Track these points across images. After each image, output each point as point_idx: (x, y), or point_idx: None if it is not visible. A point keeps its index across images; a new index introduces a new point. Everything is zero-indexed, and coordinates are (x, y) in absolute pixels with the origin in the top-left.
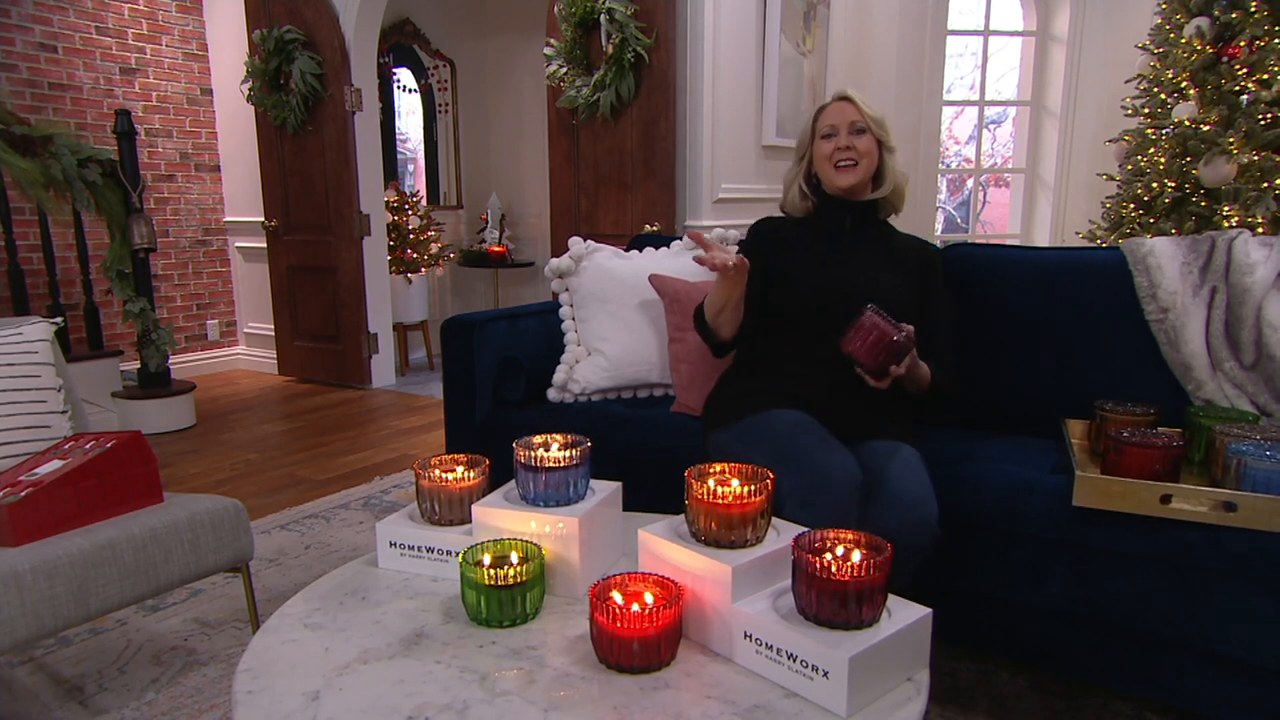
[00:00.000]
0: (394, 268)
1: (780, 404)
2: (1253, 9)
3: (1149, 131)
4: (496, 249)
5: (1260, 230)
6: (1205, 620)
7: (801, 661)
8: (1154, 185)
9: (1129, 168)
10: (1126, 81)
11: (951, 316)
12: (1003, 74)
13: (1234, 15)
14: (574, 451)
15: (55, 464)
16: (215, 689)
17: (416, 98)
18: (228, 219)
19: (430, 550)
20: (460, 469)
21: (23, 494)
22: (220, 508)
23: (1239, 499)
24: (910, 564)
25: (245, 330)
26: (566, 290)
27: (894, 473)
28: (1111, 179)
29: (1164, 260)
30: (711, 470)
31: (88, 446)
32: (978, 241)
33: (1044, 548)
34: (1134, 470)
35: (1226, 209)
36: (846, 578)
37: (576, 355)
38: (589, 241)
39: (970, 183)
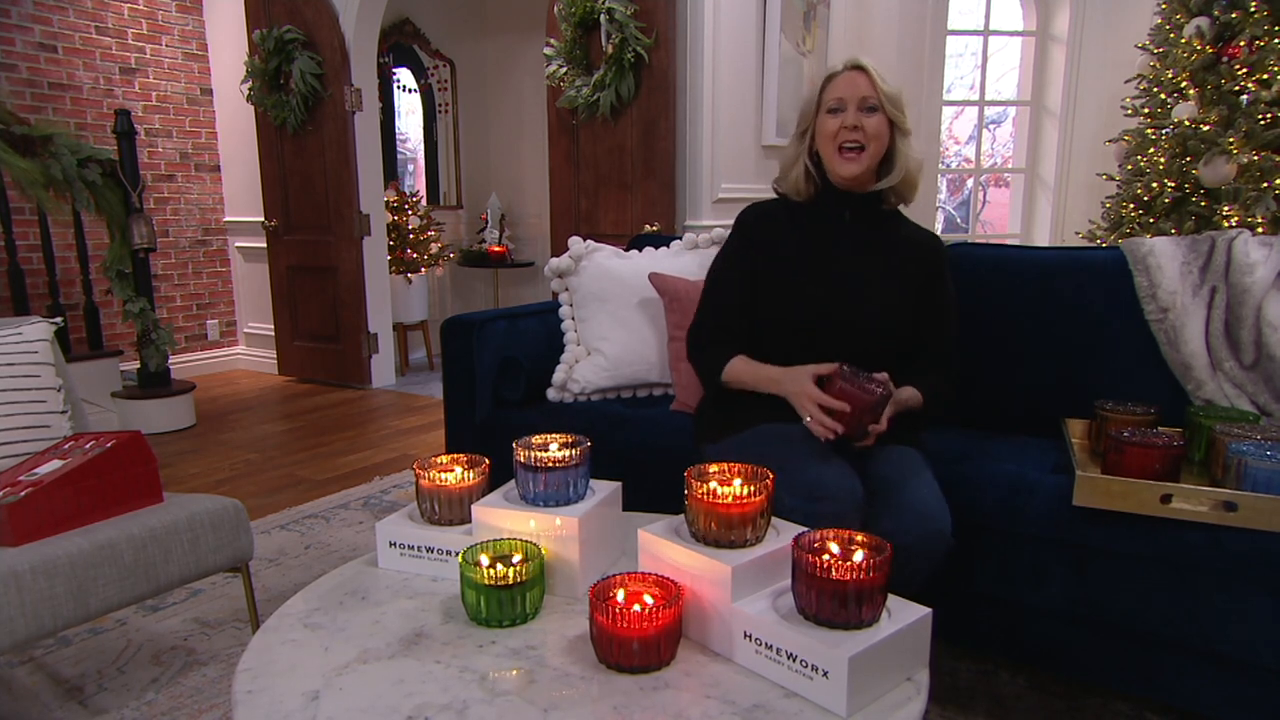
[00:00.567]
0: (394, 268)
1: (773, 415)
2: (1252, 9)
3: (1149, 131)
4: (496, 249)
5: (1260, 230)
6: (1205, 620)
7: (801, 661)
8: (1154, 185)
9: (1129, 168)
10: (1126, 81)
11: (953, 316)
12: (1003, 74)
13: (1234, 15)
14: (574, 451)
15: (55, 464)
16: (215, 689)
17: (416, 98)
18: (228, 219)
19: (430, 550)
20: (460, 469)
21: (22, 494)
22: (220, 508)
23: (1239, 499)
24: (922, 574)
25: (245, 330)
26: (566, 290)
27: (908, 486)
28: (1111, 179)
29: (1164, 260)
30: (711, 470)
31: (87, 446)
32: (978, 241)
33: (1044, 548)
34: (1134, 470)
35: (1226, 209)
36: (846, 578)
37: (576, 355)
38: (589, 241)
39: (970, 183)
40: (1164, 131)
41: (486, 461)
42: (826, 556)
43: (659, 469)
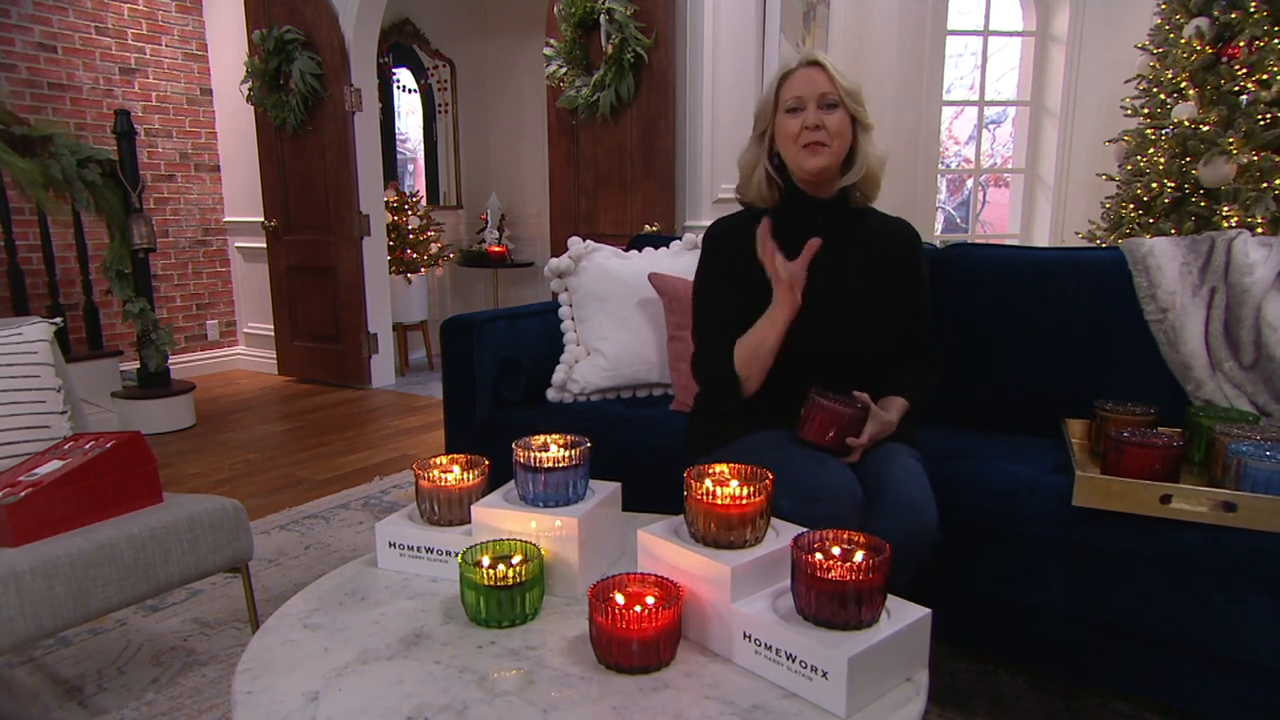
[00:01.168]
0: (394, 268)
1: (765, 423)
2: (1252, 9)
3: (1148, 132)
4: (496, 249)
5: (1260, 230)
6: (1205, 620)
7: (800, 662)
8: (1153, 185)
9: (1128, 168)
10: (1126, 82)
11: (928, 303)
12: (1002, 74)
13: (1233, 15)
14: (573, 452)
15: (55, 464)
16: (215, 689)
17: (416, 98)
18: (227, 219)
19: (430, 551)
20: (459, 469)
21: (22, 494)
22: (220, 508)
23: (1239, 499)
24: (908, 569)
25: (245, 330)
26: (566, 290)
27: (893, 478)
28: (1111, 179)
29: (1163, 260)
30: (710, 471)
31: (87, 447)
32: (977, 241)
33: (1044, 547)
34: (1134, 470)
35: (1226, 209)
36: (845, 578)
37: (576, 355)
38: (588, 241)
39: (970, 183)
40: (1164, 132)
41: (486, 462)
42: (825, 557)
43: (659, 469)
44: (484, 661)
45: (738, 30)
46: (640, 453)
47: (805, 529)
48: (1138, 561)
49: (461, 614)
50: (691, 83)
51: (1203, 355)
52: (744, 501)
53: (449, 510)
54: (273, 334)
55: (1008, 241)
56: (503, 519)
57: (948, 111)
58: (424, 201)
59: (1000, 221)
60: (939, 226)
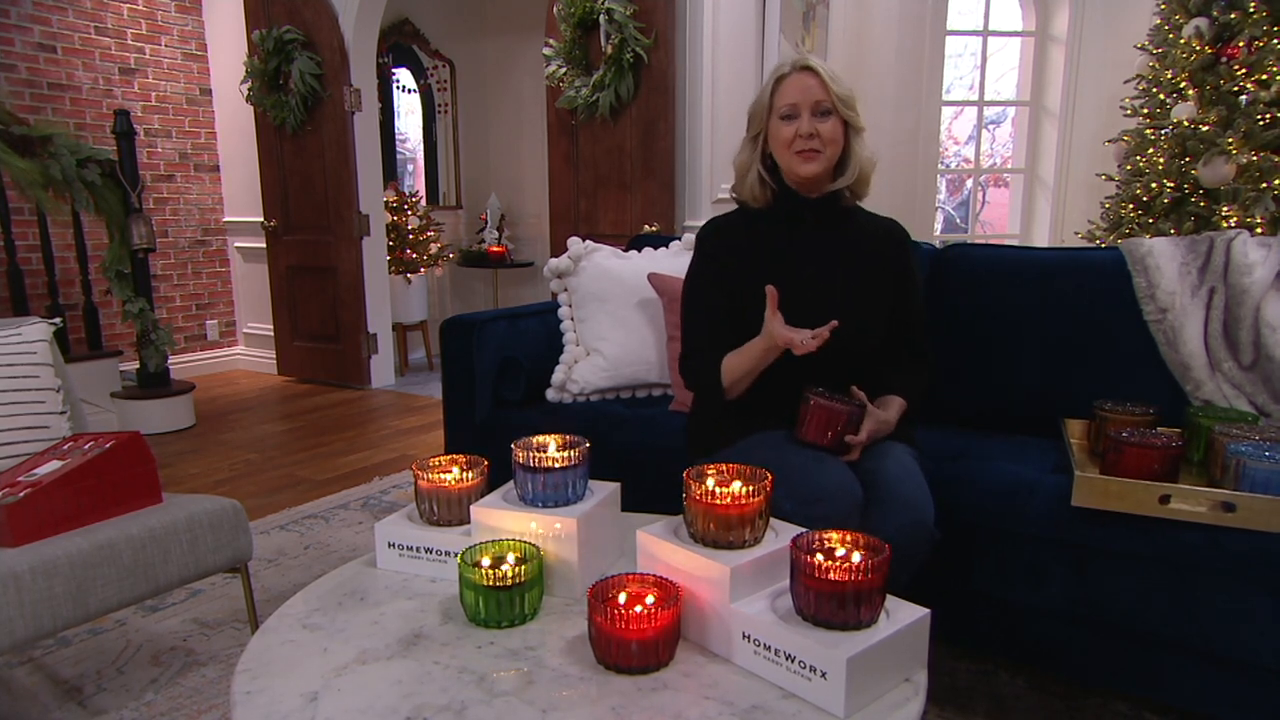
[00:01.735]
0: (393, 268)
1: (764, 424)
2: (1251, 9)
3: (1148, 132)
4: (496, 249)
5: (1259, 230)
6: (1205, 620)
7: (800, 662)
8: (1153, 185)
9: (1128, 168)
10: (1125, 82)
11: (920, 301)
12: (1002, 74)
13: (1233, 16)
14: (573, 452)
15: (54, 464)
16: (214, 689)
17: (416, 98)
18: (227, 219)
19: (429, 551)
20: (458, 469)
21: (21, 494)
22: (219, 508)
23: (1238, 499)
24: (907, 569)
25: (245, 330)
26: (565, 290)
27: (890, 477)
28: (1110, 179)
29: (1163, 260)
30: (710, 471)
31: (86, 447)
32: (977, 242)
33: (1043, 547)
34: (1133, 470)
35: (1225, 209)
36: (844, 578)
37: (575, 355)
38: (588, 241)
39: (969, 183)
40: (1163, 132)
41: (485, 462)
42: (824, 557)
43: (658, 469)
44: (483, 662)
45: (737, 30)
46: (640, 453)
47: (804, 529)
48: (1137, 561)
49: (461, 614)
50: (691, 83)
51: (1202, 355)
52: (743, 502)
53: (448, 510)
54: (272, 334)
55: (1007, 242)
56: (502, 519)
57: (947, 111)
58: (424, 201)
59: (1000, 222)
60: (938, 226)
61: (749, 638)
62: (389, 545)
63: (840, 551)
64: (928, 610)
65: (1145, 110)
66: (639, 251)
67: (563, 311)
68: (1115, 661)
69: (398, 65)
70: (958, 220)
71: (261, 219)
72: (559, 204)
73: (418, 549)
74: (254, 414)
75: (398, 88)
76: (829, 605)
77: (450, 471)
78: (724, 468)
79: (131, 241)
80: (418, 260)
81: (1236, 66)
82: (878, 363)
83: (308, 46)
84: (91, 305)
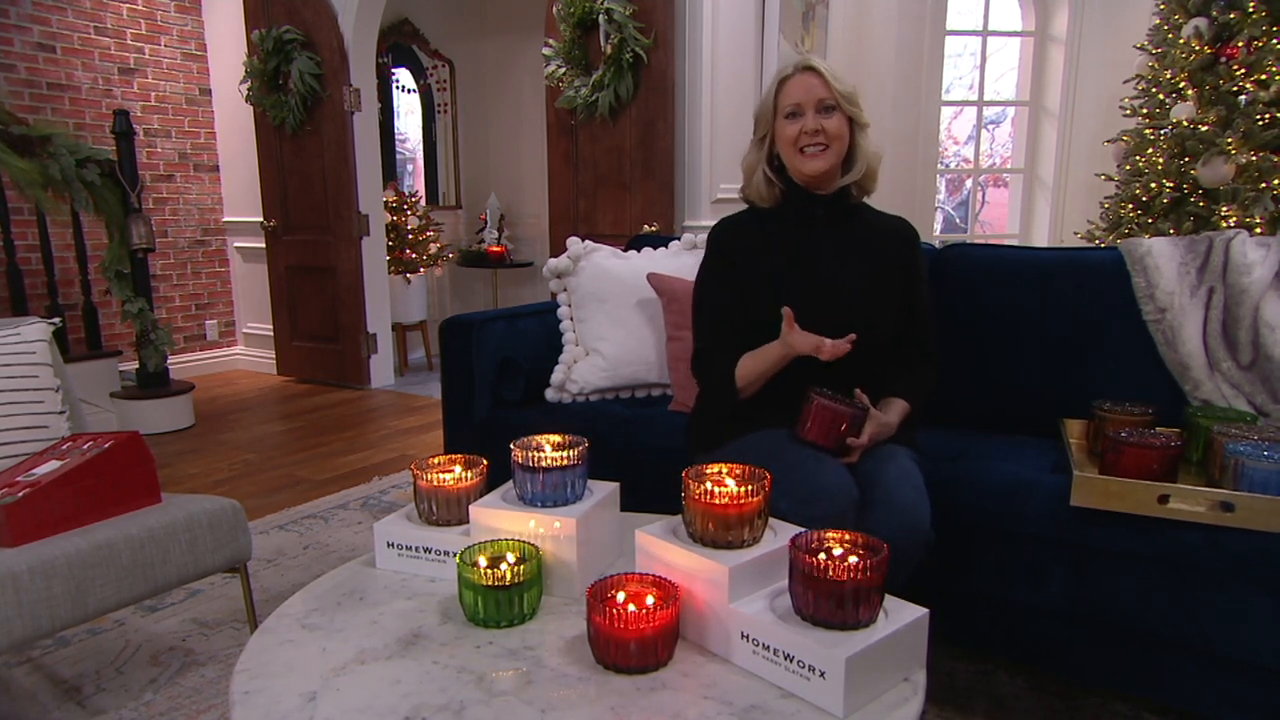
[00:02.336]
0: (393, 268)
1: (766, 422)
2: (1251, 9)
3: (1147, 132)
4: (495, 249)
5: (1258, 230)
6: (1204, 620)
7: (798, 662)
8: (1152, 185)
9: (1127, 168)
10: (1125, 82)
11: (928, 300)
12: (1002, 74)
13: (1232, 16)
14: (572, 452)
15: (53, 464)
16: (213, 689)
17: (415, 98)
18: (226, 219)
19: (428, 551)
20: (458, 469)
21: (20, 494)
22: (218, 508)
23: (1237, 499)
24: (903, 570)
25: (244, 330)
26: (565, 290)
27: (888, 479)
28: (1110, 179)
29: (1162, 260)
30: (709, 471)
31: (86, 447)
32: (976, 241)
33: (1043, 547)
34: (1132, 470)
35: (1224, 209)
36: (843, 578)
37: (575, 355)
38: (587, 241)
39: (969, 183)
40: (1162, 132)
41: (484, 462)
42: (823, 557)
43: (657, 469)
44: (482, 661)
45: (737, 30)
46: (639, 453)
47: (803, 529)
48: (1137, 561)
49: (460, 614)
50: (690, 83)
51: (1201, 355)
52: (742, 501)
53: (447, 510)
54: (272, 334)
55: (1007, 241)
56: (501, 519)
57: (947, 111)
58: (423, 201)
59: (999, 221)
60: (938, 226)
61: (748, 637)
62: (388, 545)
63: (839, 551)
64: (926, 610)
65: (1144, 110)
66: (638, 251)
67: (562, 311)
68: (1115, 661)
69: (397, 65)
70: (957, 220)
71: (261, 219)
72: (558, 204)
73: (417, 549)
74: (253, 414)
75: (397, 88)
76: (828, 605)
77: (449, 471)
78: (723, 467)
79: (131, 241)
80: (417, 260)
81: (1236, 66)
82: (885, 361)
83: (307, 46)
84: (91, 305)
